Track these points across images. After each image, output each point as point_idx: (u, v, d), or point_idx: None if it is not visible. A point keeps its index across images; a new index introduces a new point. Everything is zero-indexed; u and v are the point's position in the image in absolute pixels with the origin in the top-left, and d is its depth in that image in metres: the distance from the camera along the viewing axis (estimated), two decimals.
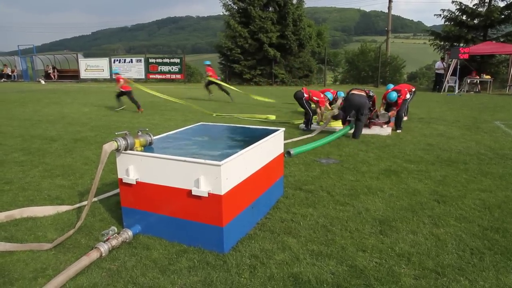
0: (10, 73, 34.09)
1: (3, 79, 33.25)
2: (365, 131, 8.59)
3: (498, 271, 2.97)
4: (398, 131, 8.66)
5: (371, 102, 9.00)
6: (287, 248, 3.35)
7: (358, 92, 8.28)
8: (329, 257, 3.19)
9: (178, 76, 28.79)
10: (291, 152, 6.54)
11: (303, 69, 27.69)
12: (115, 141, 3.40)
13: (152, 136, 3.68)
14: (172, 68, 28.92)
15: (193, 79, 32.99)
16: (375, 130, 8.64)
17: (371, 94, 8.93)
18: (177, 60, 29.10)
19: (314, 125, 9.21)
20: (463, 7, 22.63)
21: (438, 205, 4.32)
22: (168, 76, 29.00)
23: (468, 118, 10.49)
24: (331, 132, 8.41)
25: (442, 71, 20.20)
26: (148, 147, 3.65)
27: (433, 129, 8.96)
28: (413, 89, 9.56)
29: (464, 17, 22.89)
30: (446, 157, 6.35)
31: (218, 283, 2.85)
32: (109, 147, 3.39)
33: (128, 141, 3.43)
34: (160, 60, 29.53)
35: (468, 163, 5.98)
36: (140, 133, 3.63)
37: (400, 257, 3.19)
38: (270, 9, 27.07)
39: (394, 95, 8.67)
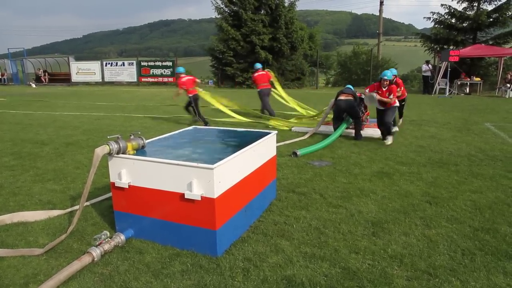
0: (0, 77, 33.77)
1: None
2: None
3: (489, 271, 3.00)
4: (386, 141, 7.59)
5: (363, 105, 9.06)
6: (280, 251, 3.35)
7: (345, 97, 8.32)
8: (322, 259, 3.20)
9: (171, 79, 28.74)
10: (298, 153, 6.61)
11: (295, 72, 27.82)
12: (107, 144, 3.38)
13: (144, 140, 3.67)
14: (164, 71, 28.89)
15: None
16: (367, 132, 8.69)
17: (363, 97, 8.98)
18: (169, 63, 29.09)
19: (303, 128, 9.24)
20: (452, 11, 22.92)
21: (429, 206, 4.36)
22: (160, 79, 28.96)
23: (458, 120, 10.60)
24: (324, 134, 8.45)
25: (428, 73, 20.42)
26: (140, 150, 3.64)
27: (424, 131, 9.04)
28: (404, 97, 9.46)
29: (453, 20, 23.18)
30: (438, 159, 6.41)
31: (211, 287, 2.84)
32: (101, 151, 3.37)
33: (120, 145, 3.42)
34: (152, 63, 29.50)
35: (459, 165, 6.04)
36: (132, 137, 3.61)
37: (393, 258, 3.21)
38: (262, 11, 27.16)
39: (389, 74, 7.75)
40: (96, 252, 3.17)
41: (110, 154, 3.42)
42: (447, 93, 18.86)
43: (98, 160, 3.41)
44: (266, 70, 11.65)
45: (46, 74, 33.31)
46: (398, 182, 5.22)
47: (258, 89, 11.19)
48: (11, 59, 34.82)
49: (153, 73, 29.06)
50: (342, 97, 8.34)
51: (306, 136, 8.42)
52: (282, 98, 11.98)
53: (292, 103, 11.87)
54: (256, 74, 11.26)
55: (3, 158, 6.70)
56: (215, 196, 3.09)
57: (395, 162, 6.23)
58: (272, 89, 11.51)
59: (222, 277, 2.96)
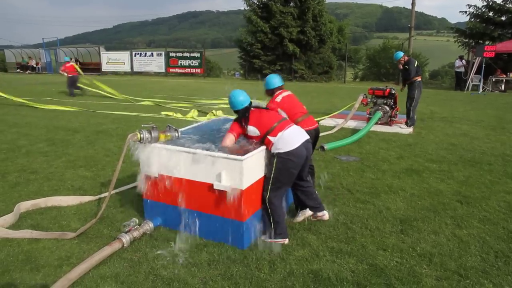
0: (34, 65, 34.87)
1: (28, 71, 34.03)
2: (386, 129, 8.49)
3: None
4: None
5: (392, 100, 8.88)
6: (307, 245, 3.34)
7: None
8: (349, 255, 3.17)
9: (198, 71, 28.93)
10: (325, 147, 6.56)
11: (323, 65, 27.43)
12: (139, 132, 3.44)
13: (179, 132, 3.70)
14: (192, 63, 29.05)
15: (213, 74, 33.13)
16: (396, 128, 8.53)
17: (393, 91, 8.82)
18: (197, 55, 29.23)
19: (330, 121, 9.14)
20: (490, 3, 21.98)
21: (461, 206, 4.24)
22: (188, 70, 29.17)
23: (492, 118, 10.23)
24: (353, 129, 8.33)
25: (462, 69, 19.75)
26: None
27: (456, 128, 8.77)
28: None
29: (491, 14, 22.25)
30: (470, 158, 6.21)
31: (238, 277, 2.87)
32: (132, 137, 3.44)
33: (152, 134, 3.47)
34: (180, 54, 29.70)
35: (493, 164, 5.84)
36: (168, 128, 3.66)
37: (422, 257, 3.15)
38: (291, 4, 26.89)
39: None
40: (125, 239, 3.25)
41: (140, 141, 3.46)
42: (481, 90, 18.22)
43: (126, 145, 3.47)
44: (72, 63, 15.83)
45: (78, 63, 34.12)
46: (428, 180, 5.10)
47: (69, 75, 15.27)
48: (45, 49, 35.88)
49: (181, 64, 29.28)
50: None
51: (333, 131, 8.33)
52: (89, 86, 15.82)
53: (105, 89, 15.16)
54: (68, 64, 15.54)
55: (38, 144, 6.94)
56: (243, 188, 3.10)
57: (425, 159, 6.08)
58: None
59: (248, 268, 2.98)
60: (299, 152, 3.33)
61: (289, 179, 3.43)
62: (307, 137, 3.49)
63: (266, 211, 3.41)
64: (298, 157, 3.34)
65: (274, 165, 3.32)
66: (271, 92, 4.28)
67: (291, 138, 3.36)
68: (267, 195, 3.35)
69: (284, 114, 3.88)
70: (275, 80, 4.27)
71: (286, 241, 3.40)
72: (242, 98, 3.52)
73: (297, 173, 3.44)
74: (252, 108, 3.53)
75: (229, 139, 3.46)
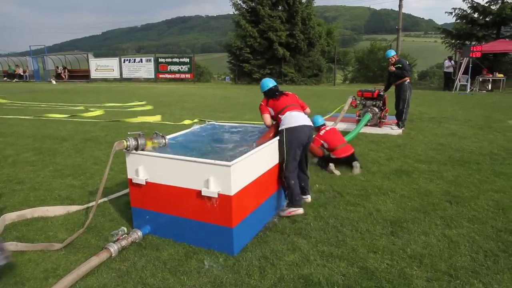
0: (22, 73, 34.51)
1: (15, 79, 33.69)
2: (375, 130, 8.53)
3: None
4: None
5: (381, 102, 8.93)
6: (297, 249, 3.32)
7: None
8: (339, 259, 3.16)
9: (188, 76, 28.88)
10: None
11: (313, 68, 27.61)
12: (125, 140, 3.40)
13: (166, 139, 3.68)
14: (181, 68, 28.99)
15: (203, 79, 33.07)
16: (385, 129, 8.57)
17: (381, 93, 8.86)
18: (187, 60, 29.18)
19: None
20: (474, 5, 22.33)
21: (450, 206, 4.26)
22: (177, 75, 29.10)
23: (480, 118, 10.34)
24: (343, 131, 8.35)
25: (451, 69, 19.99)
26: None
27: (444, 128, 8.85)
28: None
29: (475, 15, 22.59)
30: (458, 157, 6.26)
31: (228, 285, 2.83)
32: (118, 145, 3.40)
33: (139, 142, 3.44)
34: (169, 60, 29.63)
35: (481, 163, 5.88)
36: (155, 135, 3.63)
37: (412, 258, 3.15)
38: (280, 7, 27.02)
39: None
40: (113, 248, 3.20)
41: (127, 149, 3.44)
42: (468, 90, 18.43)
43: (112, 153, 3.44)
44: None
45: (66, 70, 33.86)
46: (417, 181, 5.11)
47: None
48: (32, 56, 35.55)
49: (170, 69, 29.20)
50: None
51: None
52: None
53: None
54: None
55: (25, 154, 6.84)
56: (232, 194, 3.08)
57: (414, 160, 6.11)
58: None
59: (238, 275, 2.95)
60: (301, 130, 4.01)
61: (295, 152, 3.98)
62: (310, 123, 4.18)
63: (283, 186, 4.07)
64: (300, 133, 4.00)
65: (283, 138, 3.96)
66: (317, 129, 5.84)
67: (296, 118, 4.08)
68: (285, 173, 3.97)
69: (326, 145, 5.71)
70: (317, 120, 6.00)
71: (300, 210, 3.98)
72: (267, 84, 4.43)
73: (300, 152, 4.06)
74: (277, 93, 4.33)
75: (267, 118, 4.33)
